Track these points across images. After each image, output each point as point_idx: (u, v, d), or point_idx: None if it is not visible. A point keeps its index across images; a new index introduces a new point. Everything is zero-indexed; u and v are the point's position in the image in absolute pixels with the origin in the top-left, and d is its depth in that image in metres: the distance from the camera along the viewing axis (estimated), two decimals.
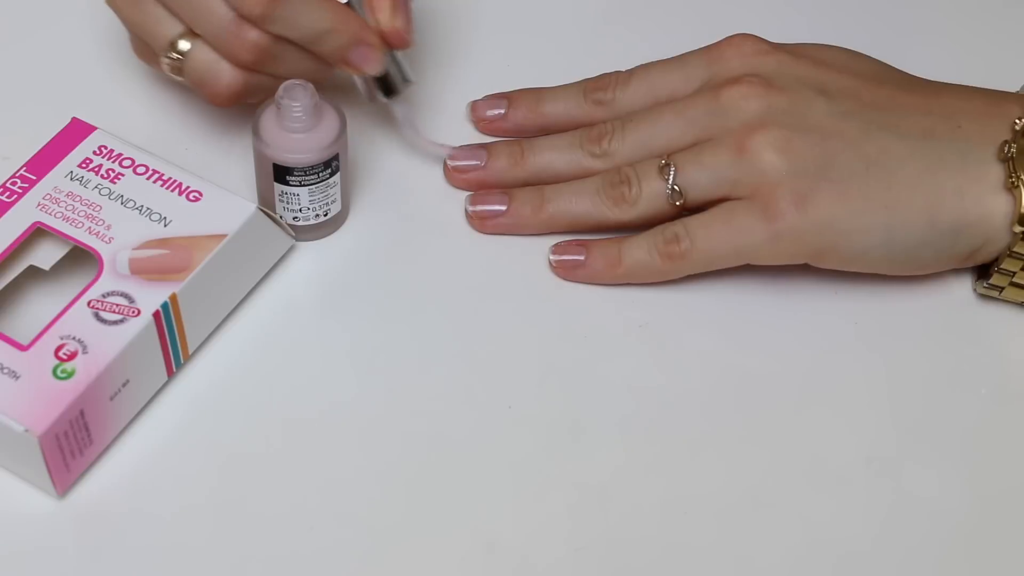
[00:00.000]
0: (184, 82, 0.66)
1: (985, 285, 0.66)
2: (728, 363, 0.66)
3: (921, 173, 0.64)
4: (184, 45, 0.65)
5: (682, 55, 0.70)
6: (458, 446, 0.63)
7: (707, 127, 0.66)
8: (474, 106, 0.73)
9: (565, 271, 0.68)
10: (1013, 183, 0.64)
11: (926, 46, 0.75)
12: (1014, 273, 0.65)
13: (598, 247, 0.68)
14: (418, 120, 0.71)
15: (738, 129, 0.65)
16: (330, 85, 0.68)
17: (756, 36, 0.68)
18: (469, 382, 0.65)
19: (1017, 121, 0.65)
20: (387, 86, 0.68)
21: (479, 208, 0.69)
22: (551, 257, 0.68)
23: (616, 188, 0.67)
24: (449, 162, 0.70)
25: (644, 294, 0.67)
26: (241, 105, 0.67)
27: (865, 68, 0.68)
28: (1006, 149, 0.64)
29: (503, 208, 0.69)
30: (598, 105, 0.70)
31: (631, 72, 0.71)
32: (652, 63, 0.70)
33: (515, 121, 0.72)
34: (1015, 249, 0.64)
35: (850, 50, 0.69)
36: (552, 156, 0.69)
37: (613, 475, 0.63)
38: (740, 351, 0.66)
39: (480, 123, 0.72)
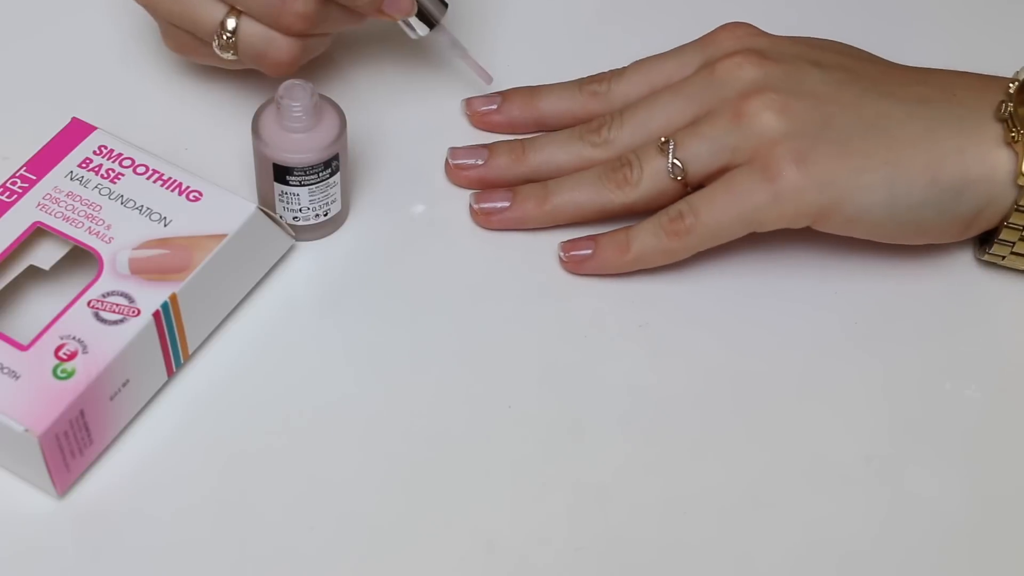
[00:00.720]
0: (234, 60, 0.67)
1: (996, 240, 0.66)
2: (727, 363, 0.66)
3: (921, 133, 0.64)
4: (232, 23, 0.65)
5: (676, 48, 0.70)
6: (458, 446, 0.63)
7: (704, 101, 0.66)
8: (468, 102, 0.73)
9: (575, 265, 0.68)
10: (1014, 138, 0.64)
11: (919, 44, 0.75)
12: (1022, 228, 0.65)
13: (606, 237, 0.68)
14: (462, 44, 0.71)
15: (734, 97, 0.65)
16: (330, 85, 0.68)
17: (748, 23, 0.69)
18: (469, 382, 0.65)
19: (1011, 85, 0.65)
20: (426, 18, 0.69)
21: (484, 205, 0.69)
22: (561, 253, 0.68)
23: (618, 172, 0.67)
24: (451, 160, 0.70)
25: (644, 294, 0.67)
26: (249, 72, 0.67)
27: (857, 53, 0.69)
28: (1003, 108, 0.64)
29: (507, 204, 0.69)
30: (593, 96, 0.70)
31: (626, 67, 0.71)
32: (646, 57, 0.71)
33: (510, 115, 0.72)
34: (1021, 202, 0.64)
35: (843, 43, 0.69)
36: (552, 150, 0.69)
37: (613, 475, 0.63)
38: (739, 351, 0.66)
39: (474, 117, 0.72)
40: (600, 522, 0.62)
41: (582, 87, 0.71)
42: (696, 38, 0.70)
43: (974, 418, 0.65)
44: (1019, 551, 0.62)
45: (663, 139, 0.66)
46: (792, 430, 0.64)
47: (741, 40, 0.68)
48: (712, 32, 0.69)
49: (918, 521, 0.62)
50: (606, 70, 0.71)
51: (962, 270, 0.69)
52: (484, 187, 0.70)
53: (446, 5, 0.70)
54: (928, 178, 0.64)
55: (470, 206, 0.69)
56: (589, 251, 0.67)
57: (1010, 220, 0.65)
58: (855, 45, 0.69)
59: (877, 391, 0.66)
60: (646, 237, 0.67)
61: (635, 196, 0.67)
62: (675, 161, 0.66)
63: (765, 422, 0.64)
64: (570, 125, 0.71)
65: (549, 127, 0.72)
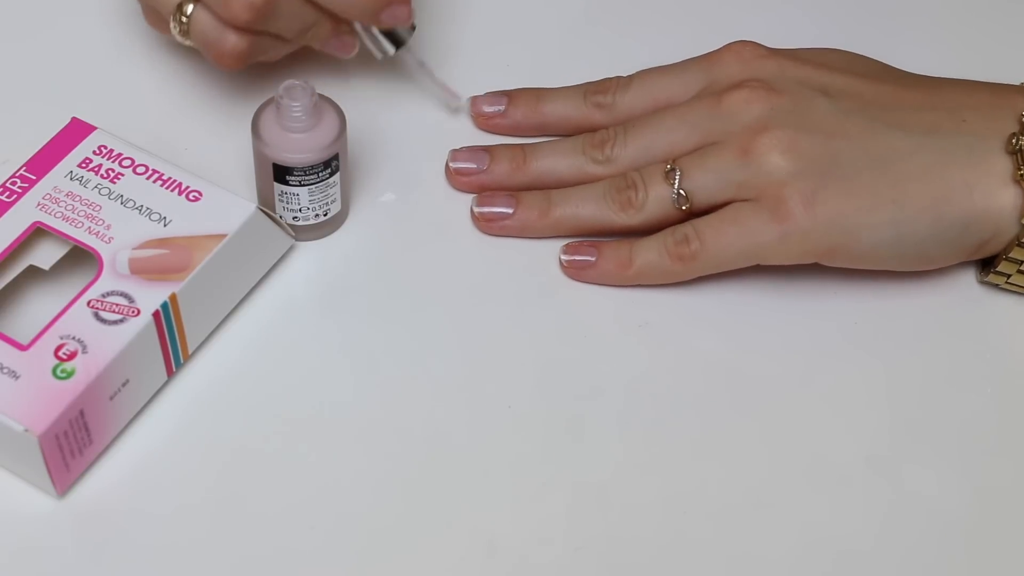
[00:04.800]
0: (194, 46, 0.67)
1: (993, 271, 0.66)
2: (727, 363, 0.66)
3: (928, 168, 0.64)
4: (189, 8, 0.66)
5: (681, 62, 0.70)
6: (458, 445, 0.63)
7: (709, 132, 0.66)
8: (474, 101, 0.73)
9: (575, 271, 0.68)
10: (1022, 176, 0.64)
11: (925, 43, 0.75)
12: (1022, 262, 0.65)
13: (609, 248, 0.68)
14: (429, 64, 0.72)
15: (741, 132, 0.65)
16: (330, 85, 0.68)
17: (754, 42, 0.68)
18: (468, 381, 0.65)
19: (1023, 116, 0.65)
20: (395, 37, 0.69)
21: (485, 210, 0.69)
22: (562, 257, 0.68)
23: (623, 193, 0.67)
24: (451, 164, 0.70)
25: (644, 294, 0.67)
26: (249, 72, 0.68)
27: (865, 68, 0.68)
28: (1014, 142, 0.64)
29: (510, 211, 0.69)
30: (597, 108, 0.71)
31: (631, 77, 0.71)
32: (652, 69, 0.71)
33: (514, 119, 0.72)
34: (1022, 239, 0.64)
35: (849, 52, 0.69)
36: (554, 161, 0.70)
37: (612, 475, 0.63)
38: (740, 351, 0.66)
39: (479, 119, 0.72)
40: (600, 522, 0.62)
41: (587, 97, 0.71)
42: (701, 54, 0.70)
43: (974, 418, 0.65)
44: (1018, 551, 0.62)
45: (668, 166, 0.66)
46: (792, 430, 0.64)
47: (747, 65, 0.67)
48: (717, 52, 0.69)
49: (917, 521, 0.62)
50: (611, 75, 0.71)
51: (963, 270, 0.69)
52: (483, 192, 0.70)
53: (414, 27, 0.70)
54: (934, 215, 0.64)
55: (471, 209, 0.69)
56: (591, 258, 0.68)
57: (1009, 254, 0.65)
58: (859, 51, 0.69)
59: (877, 391, 0.66)
60: (650, 255, 0.67)
61: (638, 219, 0.67)
62: (681, 191, 0.66)
63: (765, 422, 0.64)
64: (572, 133, 0.71)
65: (552, 133, 0.72)
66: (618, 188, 0.67)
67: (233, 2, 0.64)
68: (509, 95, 0.72)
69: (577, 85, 0.72)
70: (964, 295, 0.68)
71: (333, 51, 0.70)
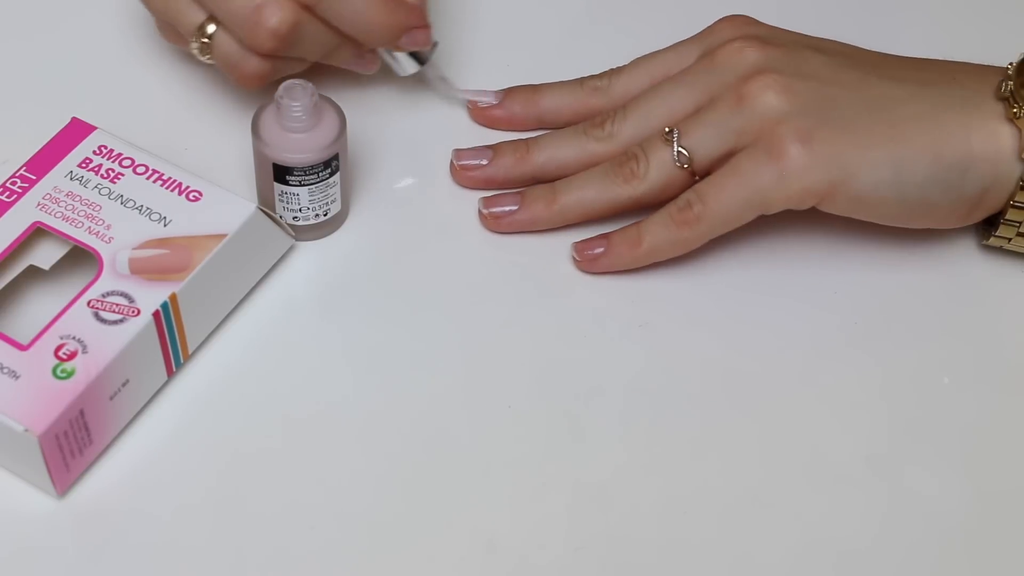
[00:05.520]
0: (214, 64, 0.68)
1: (1002, 221, 0.66)
2: (727, 362, 0.66)
3: (923, 112, 0.65)
4: (211, 28, 0.66)
5: (677, 42, 0.71)
6: (457, 445, 0.63)
7: (706, 88, 0.67)
8: (471, 96, 0.73)
9: (589, 264, 0.68)
10: (1016, 114, 0.64)
11: (920, 46, 0.75)
12: None
13: (617, 233, 0.68)
14: (451, 78, 0.72)
15: (735, 81, 0.66)
16: (330, 85, 0.68)
17: (746, 15, 0.69)
18: (468, 381, 0.65)
19: (1009, 66, 0.65)
20: (417, 56, 0.70)
21: (493, 209, 0.69)
22: (574, 254, 0.68)
23: (625, 166, 0.67)
24: (456, 162, 0.71)
25: (644, 293, 0.67)
26: (259, 91, 0.68)
27: (857, 47, 0.69)
28: (1003, 87, 0.65)
29: (516, 207, 0.69)
30: (594, 92, 0.71)
31: (626, 64, 0.71)
32: (646, 54, 0.71)
33: (511, 111, 0.72)
34: None
35: (840, 41, 0.69)
36: (557, 147, 0.70)
37: (612, 474, 0.63)
38: (739, 350, 0.66)
39: (476, 112, 0.73)
40: (600, 522, 0.62)
41: (583, 83, 0.71)
42: (694, 34, 0.70)
43: (974, 417, 0.65)
44: (1018, 550, 0.62)
45: (667, 129, 0.66)
46: (791, 429, 0.64)
47: (740, 29, 0.68)
48: (711, 25, 0.70)
49: (917, 520, 0.62)
50: (605, 69, 0.72)
51: (963, 270, 0.69)
52: (490, 187, 0.70)
53: (435, 44, 0.71)
54: (932, 155, 0.64)
55: (479, 211, 0.69)
56: (602, 248, 0.68)
57: (1016, 199, 0.65)
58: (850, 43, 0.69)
59: (876, 390, 0.66)
60: (657, 229, 0.67)
61: (643, 189, 0.67)
62: (680, 149, 0.66)
63: (765, 421, 0.64)
64: (572, 122, 0.71)
65: (550, 125, 0.72)
66: (619, 163, 0.67)
67: (259, 30, 0.64)
68: (505, 91, 0.73)
69: (572, 79, 0.72)
70: (965, 294, 0.68)
71: (355, 69, 0.70)
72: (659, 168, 0.66)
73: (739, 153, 0.65)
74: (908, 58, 0.68)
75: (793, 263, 0.68)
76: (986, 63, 0.67)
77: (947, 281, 0.68)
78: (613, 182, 0.67)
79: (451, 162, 0.71)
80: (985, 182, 0.64)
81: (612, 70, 0.71)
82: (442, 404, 0.64)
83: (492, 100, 0.73)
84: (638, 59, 0.71)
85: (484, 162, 0.70)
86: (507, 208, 0.69)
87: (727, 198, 0.65)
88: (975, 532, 0.62)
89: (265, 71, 0.67)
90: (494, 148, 0.71)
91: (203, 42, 0.66)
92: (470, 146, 0.71)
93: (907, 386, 0.66)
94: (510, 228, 0.69)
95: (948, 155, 0.64)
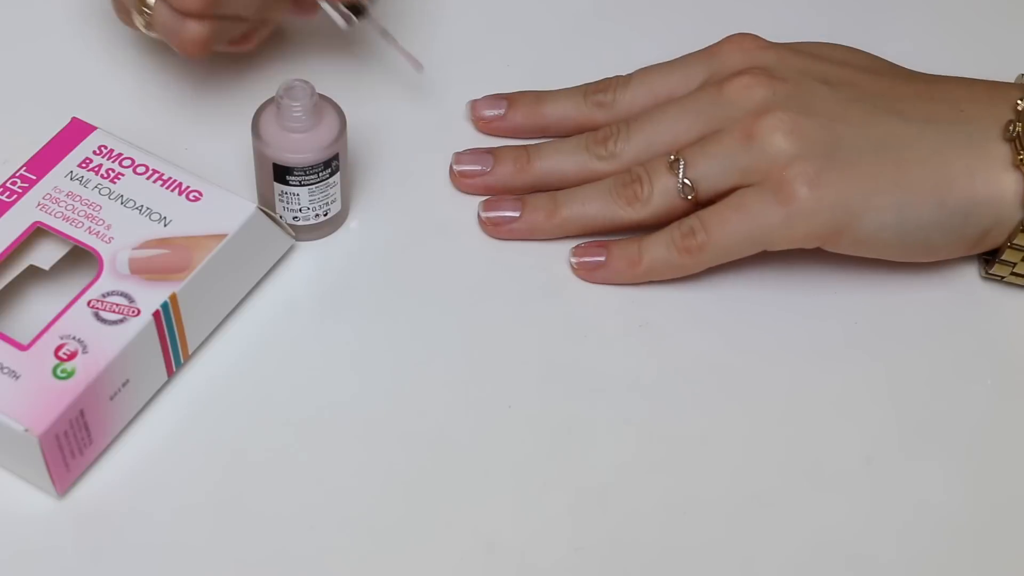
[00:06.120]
0: (159, 38, 0.67)
1: (998, 261, 0.66)
2: (728, 362, 0.66)
3: (930, 154, 0.65)
4: (151, 0, 0.66)
5: (681, 57, 0.70)
6: (458, 446, 0.63)
7: (712, 119, 0.66)
8: (473, 105, 0.73)
9: (586, 272, 0.68)
10: (1022, 160, 0.64)
11: (920, 40, 0.75)
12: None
13: (618, 247, 0.68)
14: (392, 33, 0.71)
15: (743, 117, 0.65)
16: (330, 85, 0.68)
17: (753, 34, 0.69)
18: (469, 382, 0.65)
19: (1020, 102, 0.65)
20: (356, 7, 0.69)
21: (493, 215, 0.69)
22: (571, 260, 0.68)
23: (628, 188, 0.67)
24: (455, 167, 0.70)
25: (644, 294, 0.67)
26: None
27: (863, 62, 0.69)
28: (1011, 128, 0.64)
29: (516, 214, 0.69)
30: (598, 107, 0.71)
31: (630, 75, 0.71)
32: (651, 66, 0.71)
33: (514, 122, 0.72)
34: None
35: (846, 46, 0.69)
36: (558, 159, 0.69)
37: (613, 475, 0.63)
38: (740, 351, 0.66)
39: (479, 122, 0.72)
40: (600, 522, 0.61)
41: (587, 96, 0.71)
42: (701, 48, 0.70)
43: (975, 418, 0.65)
44: (1021, 552, 0.61)
45: (672, 157, 0.66)
46: (792, 430, 0.64)
47: (748, 54, 0.68)
48: (717, 44, 0.69)
49: (918, 522, 0.62)
50: (609, 76, 0.71)
51: (963, 270, 0.69)
52: (489, 194, 0.70)
53: None
54: (937, 201, 0.64)
55: (478, 215, 0.69)
56: (600, 258, 0.67)
57: (1014, 241, 0.65)
58: (853, 43, 0.69)
59: (878, 390, 0.66)
60: (658, 251, 0.67)
61: (645, 214, 0.67)
62: (686, 181, 0.66)
63: (765, 422, 0.64)
64: (574, 133, 0.71)
65: (553, 135, 0.72)
66: (623, 183, 0.67)
67: None
68: (508, 98, 0.72)
69: (577, 86, 0.72)
70: (965, 293, 0.68)
71: (296, 16, 0.69)
72: (662, 195, 0.66)
73: (746, 189, 0.65)
74: (914, 81, 0.68)
75: (794, 263, 0.68)
76: (990, 74, 0.67)
77: (948, 279, 0.68)
78: (615, 202, 0.67)
79: (450, 166, 0.71)
80: (986, 225, 0.65)
81: (616, 81, 0.71)
82: (443, 404, 0.64)
83: (423, 70, 0.71)
84: (643, 72, 0.71)
85: (484, 168, 0.70)
86: (507, 214, 0.69)
87: (731, 232, 0.65)
88: (975, 533, 0.62)
89: (204, 35, 0.66)
90: (494, 154, 0.70)
91: (146, 14, 0.66)
92: (468, 148, 0.71)
93: (909, 386, 0.66)
94: (509, 236, 0.69)
95: (952, 201, 0.64)
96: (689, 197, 0.66)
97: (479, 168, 0.70)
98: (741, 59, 0.67)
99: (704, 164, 0.66)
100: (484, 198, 0.70)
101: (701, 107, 0.67)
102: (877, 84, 0.67)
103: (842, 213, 0.64)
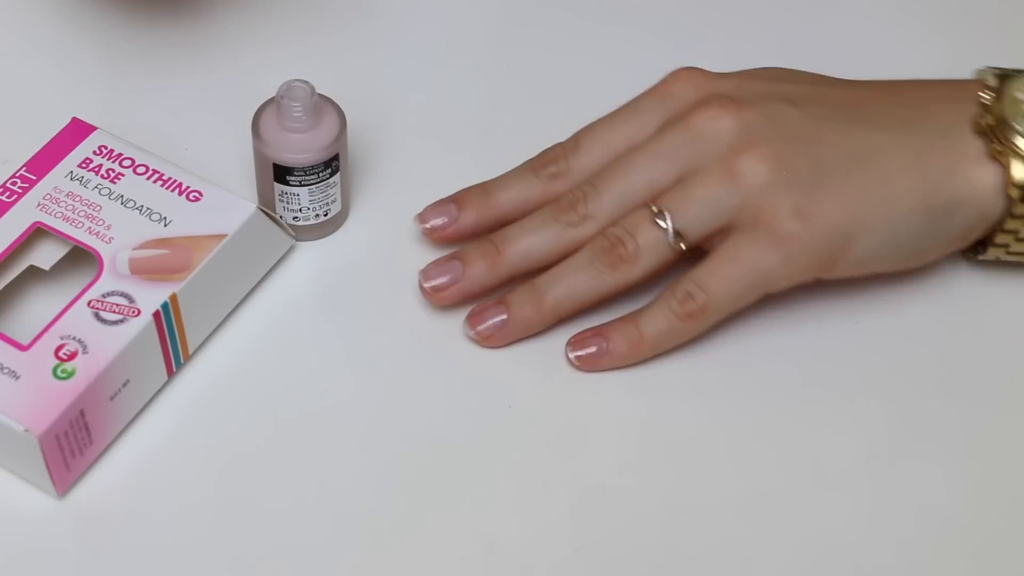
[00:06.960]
0: None
1: (991, 245, 0.66)
2: (728, 362, 0.66)
3: (911, 160, 0.64)
4: None
5: (626, 104, 0.67)
6: (458, 446, 0.63)
7: (686, 158, 0.64)
8: (421, 217, 0.67)
9: (589, 365, 0.65)
10: (998, 151, 0.64)
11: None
12: (1015, 232, 0.65)
13: (614, 331, 0.64)
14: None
15: (721, 154, 0.63)
16: (330, 85, 0.68)
17: (697, 67, 0.66)
18: (469, 382, 0.65)
19: (981, 94, 0.65)
20: None
21: (481, 328, 0.65)
22: (570, 354, 0.65)
23: (611, 252, 0.63)
24: (424, 283, 0.66)
25: (644, 295, 0.67)
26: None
27: (813, 77, 0.67)
28: (980, 121, 0.64)
29: (504, 317, 0.65)
30: (554, 179, 0.66)
31: (576, 137, 0.67)
32: (594, 123, 0.67)
33: (468, 223, 0.67)
34: (1015, 211, 0.64)
35: (790, 68, 0.67)
36: (529, 241, 0.65)
37: (613, 475, 0.63)
38: (740, 350, 0.66)
39: (431, 234, 0.67)
40: (600, 523, 0.61)
41: (537, 172, 0.66)
42: (644, 91, 0.67)
43: (976, 418, 0.65)
44: (1020, 552, 0.62)
45: (654, 208, 0.63)
46: (793, 430, 0.64)
47: (700, 87, 0.65)
48: (663, 83, 0.66)
49: (919, 522, 0.62)
50: (551, 146, 0.67)
51: (963, 270, 0.69)
52: (469, 301, 0.66)
53: None
54: (924, 209, 0.64)
55: (466, 335, 0.66)
56: (599, 348, 0.64)
57: (1005, 226, 0.65)
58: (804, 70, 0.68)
59: (878, 390, 0.65)
60: (658, 324, 0.64)
61: (637, 273, 0.64)
62: (675, 231, 0.63)
63: (766, 422, 0.64)
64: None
65: (513, 220, 0.66)
66: (603, 249, 0.64)
67: None
68: (455, 200, 0.67)
69: (521, 165, 0.67)
70: (966, 293, 0.68)
71: None
72: (651, 250, 0.63)
73: (737, 237, 0.63)
74: (877, 88, 0.67)
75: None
76: (940, 70, 0.67)
77: (948, 281, 0.68)
78: (601, 272, 0.64)
79: (419, 284, 0.66)
80: (971, 222, 0.65)
81: (563, 148, 0.66)
82: (442, 404, 0.64)
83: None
84: (589, 130, 0.66)
85: (455, 277, 0.65)
86: (494, 321, 0.65)
87: (732, 286, 0.63)
88: (976, 533, 0.62)
89: None
90: (460, 257, 0.66)
91: None
92: (432, 261, 0.66)
93: (909, 386, 0.66)
94: (505, 341, 0.65)
95: (938, 205, 0.64)
96: (681, 247, 0.63)
97: (449, 279, 0.65)
98: (695, 92, 0.65)
99: (691, 211, 0.63)
100: (468, 309, 0.66)
101: (672, 148, 0.64)
102: (839, 95, 0.66)
103: (836, 240, 0.63)
